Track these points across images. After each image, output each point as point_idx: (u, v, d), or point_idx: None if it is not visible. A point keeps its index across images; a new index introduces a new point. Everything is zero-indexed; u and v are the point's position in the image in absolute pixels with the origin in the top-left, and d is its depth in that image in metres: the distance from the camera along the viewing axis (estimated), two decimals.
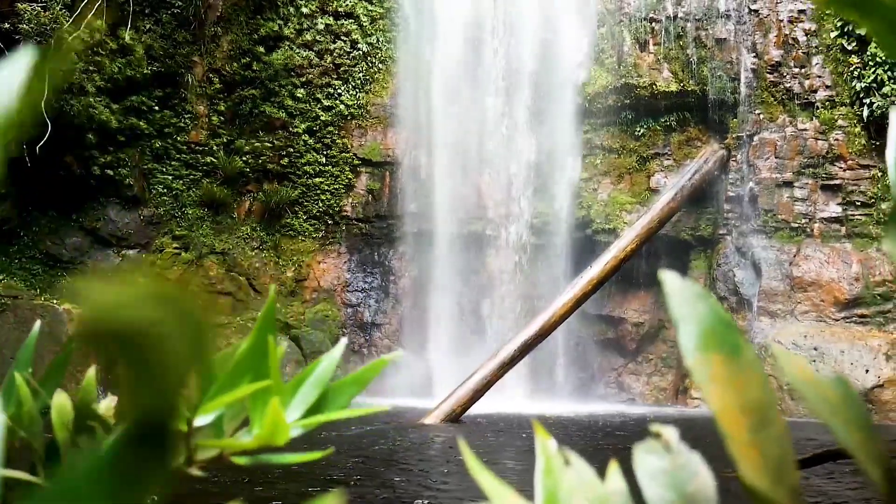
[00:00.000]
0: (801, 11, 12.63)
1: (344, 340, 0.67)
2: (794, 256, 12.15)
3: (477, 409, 10.10)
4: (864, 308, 11.70)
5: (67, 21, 10.99)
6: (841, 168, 12.25)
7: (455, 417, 9.78)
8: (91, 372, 0.73)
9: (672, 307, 0.45)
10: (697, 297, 0.45)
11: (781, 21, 12.68)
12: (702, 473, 0.46)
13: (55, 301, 10.64)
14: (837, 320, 11.75)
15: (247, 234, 14.21)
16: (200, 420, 0.52)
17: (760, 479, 0.41)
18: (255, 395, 0.55)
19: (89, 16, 11.42)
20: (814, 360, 11.25)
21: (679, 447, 0.47)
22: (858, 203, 12.15)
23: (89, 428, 0.63)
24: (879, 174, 12.09)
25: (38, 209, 12.82)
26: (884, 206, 12.03)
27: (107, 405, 0.67)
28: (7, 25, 10.75)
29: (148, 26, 13.24)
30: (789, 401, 11.11)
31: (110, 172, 13.03)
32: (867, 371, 11.01)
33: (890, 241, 0.48)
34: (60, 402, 0.65)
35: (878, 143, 12.05)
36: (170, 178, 13.84)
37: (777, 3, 12.79)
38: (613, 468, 0.51)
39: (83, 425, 0.63)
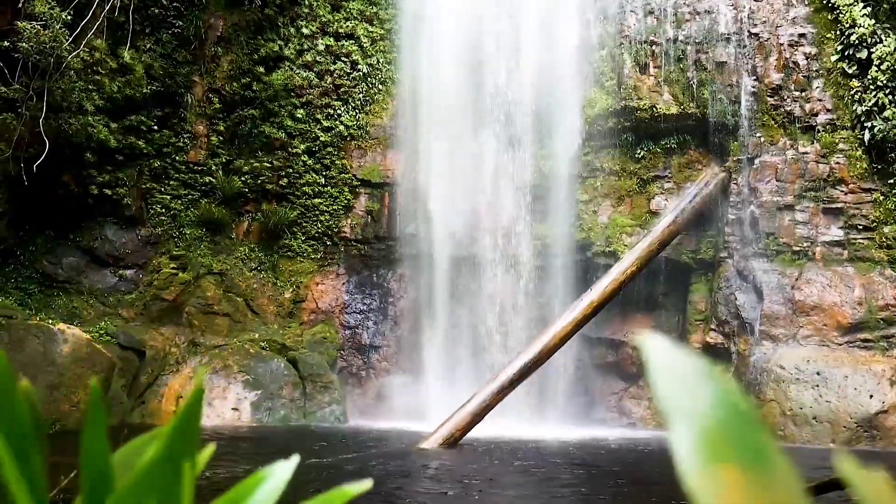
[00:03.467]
0: (802, 35, 12.65)
1: (295, 459, 0.54)
2: (796, 280, 12.05)
3: (475, 433, 9.96)
4: (867, 332, 11.58)
5: (67, 40, 10.97)
6: (842, 191, 12.19)
7: (454, 442, 9.64)
8: None
9: (659, 392, 0.32)
10: (697, 377, 0.31)
11: (782, 45, 12.69)
12: None
13: (50, 321, 10.52)
14: (840, 345, 11.62)
15: (245, 254, 14.12)
16: None
17: None
18: None
19: (89, 35, 11.41)
20: (817, 386, 11.11)
21: None
22: (860, 227, 12.07)
23: None
24: (881, 198, 12.04)
25: (35, 228, 12.73)
26: (886, 229, 11.96)
27: None
28: (6, 44, 10.72)
29: (148, 46, 13.23)
30: (792, 427, 10.96)
31: (108, 192, 12.96)
32: (871, 396, 10.87)
33: None
34: None
35: (879, 167, 12.01)
36: (168, 197, 13.77)
37: (777, 26, 12.81)
38: None
39: None
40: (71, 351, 10.07)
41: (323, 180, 14.30)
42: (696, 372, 0.31)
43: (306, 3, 14.43)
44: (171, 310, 13.15)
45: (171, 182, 13.80)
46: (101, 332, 11.77)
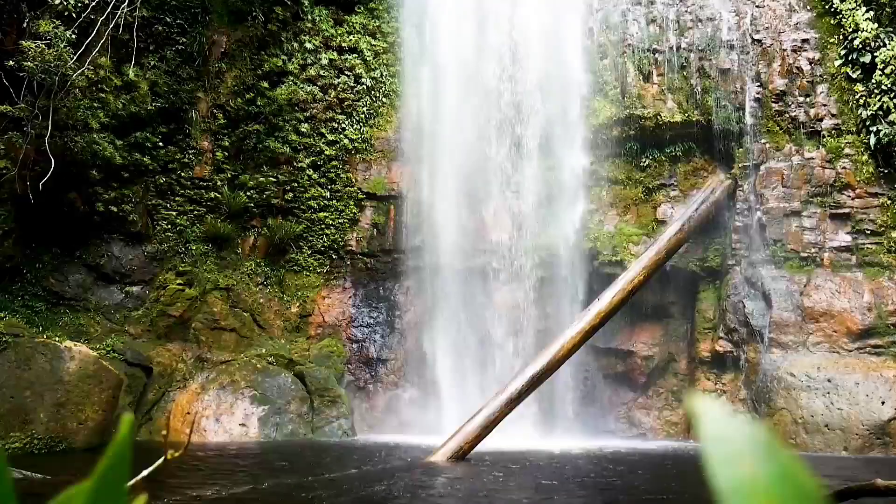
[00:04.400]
0: (805, 41, 12.62)
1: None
2: (805, 286, 11.97)
3: (484, 445, 9.89)
4: (877, 338, 11.49)
5: (72, 58, 11.02)
6: (849, 196, 12.13)
7: (462, 455, 9.57)
8: None
9: (714, 467, 0.28)
10: (754, 451, 0.28)
11: (785, 50, 12.67)
12: None
13: (57, 339, 10.51)
14: (851, 351, 11.53)
15: (251, 269, 14.12)
16: None
17: None
18: None
19: (94, 53, 11.47)
20: (828, 393, 11.01)
21: None
22: (868, 231, 12.00)
23: None
24: (888, 202, 11.97)
25: (42, 246, 12.76)
26: (894, 234, 11.88)
27: None
28: (11, 63, 10.78)
29: (152, 63, 13.29)
30: (804, 435, 10.86)
31: (114, 209, 13.00)
32: (883, 403, 10.76)
33: None
34: None
35: (886, 171, 11.95)
36: (174, 213, 13.80)
37: (780, 32, 12.79)
38: None
39: None
40: (78, 368, 10.05)
41: (328, 194, 14.31)
42: (754, 445, 0.27)
43: (309, 18, 14.49)
44: (178, 326, 13.15)
45: (177, 198, 13.83)
46: (108, 348, 11.76)
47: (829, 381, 11.10)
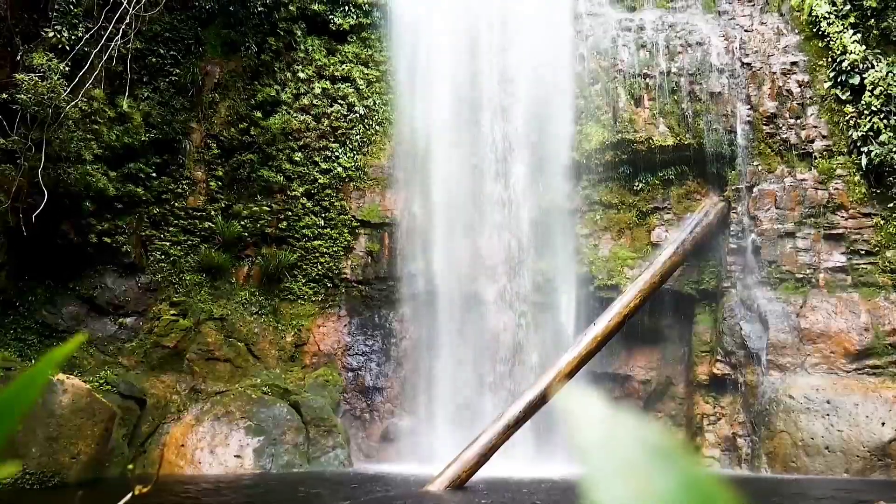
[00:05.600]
0: (794, 63, 12.73)
1: None
2: (801, 307, 11.95)
3: (482, 473, 9.78)
4: (875, 358, 11.44)
5: (65, 90, 11.05)
6: (843, 217, 12.16)
7: (461, 483, 9.46)
8: None
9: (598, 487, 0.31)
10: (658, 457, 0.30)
11: (774, 73, 12.77)
12: None
13: (49, 371, 10.41)
14: (849, 372, 11.48)
15: (245, 298, 14.05)
16: None
17: None
18: None
19: (87, 85, 11.50)
20: (827, 415, 10.94)
21: None
22: (863, 252, 12.01)
23: None
24: (882, 222, 11.99)
25: (35, 278, 12.69)
26: (889, 254, 11.89)
27: None
28: (5, 96, 10.80)
29: (146, 94, 13.34)
30: (805, 458, 10.77)
31: (108, 240, 12.95)
32: (883, 424, 10.70)
33: None
34: None
35: (878, 191, 11.99)
36: (168, 244, 13.76)
37: (769, 55, 12.90)
38: None
39: None
40: (71, 401, 9.94)
41: (322, 222, 14.29)
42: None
43: (302, 48, 14.58)
44: (172, 357, 13.04)
45: (171, 228, 13.80)
46: (102, 381, 11.64)
47: (828, 402, 11.04)
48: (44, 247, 12.34)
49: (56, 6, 11.85)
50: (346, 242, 14.28)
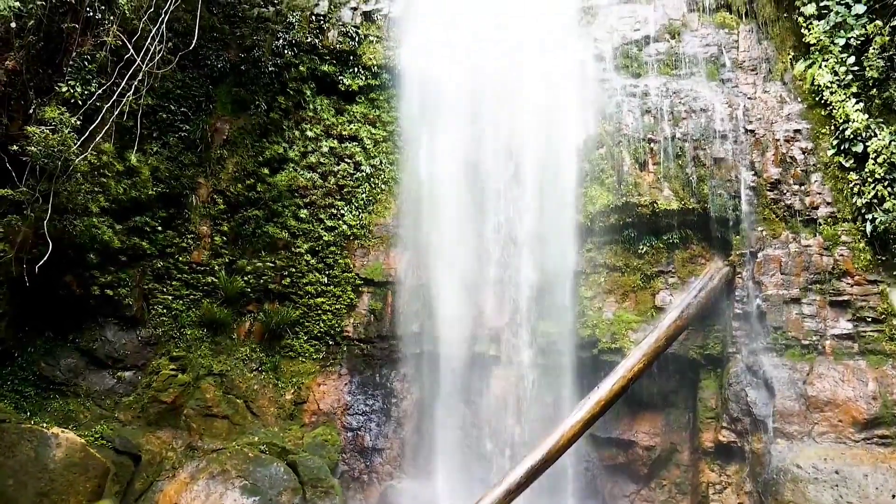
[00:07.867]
0: (797, 131, 12.86)
1: None
2: (808, 375, 11.79)
3: None
4: (884, 428, 11.23)
5: (75, 144, 11.17)
6: (848, 283, 12.10)
7: None
8: None
9: None
10: None
11: (778, 140, 12.89)
12: None
13: (44, 425, 10.27)
14: (858, 441, 11.25)
15: (246, 354, 13.94)
16: None
17: None
18: None
19: (97, 139, 11.64)
20: (836, 486, 10.68)
21: None
22: (869, 319, 11.91)
23: None
24: (888, 289, 11.92)
25: (35, 329, 12.62)
26: (895, 321, 11.78)
27: None
28: (15, 147, 10.92)
29: (155, 149, 13.49)
30: None
31: (110, 292, 12.92)
32: (893, 496, 10.43)
33: None
34: None
35: (883, 258, 11.95)
36: (170, 298, 13.72)
37: (772, 123, 13.05)
38: None
39: None
40: (64, 456, 9.78)
41: (326, 279, 14.28)
42: None
43: (311, 107, 14.81)
44: (169, 412, 12.87)
45: (174, 282, 13.79)
46: (97, 435, 11.47)
47: (836, 472, 10.79)
48: (45, 298, 12.31)
49: (71, 62, 12.08)
50: (349, 300, 14.24)
